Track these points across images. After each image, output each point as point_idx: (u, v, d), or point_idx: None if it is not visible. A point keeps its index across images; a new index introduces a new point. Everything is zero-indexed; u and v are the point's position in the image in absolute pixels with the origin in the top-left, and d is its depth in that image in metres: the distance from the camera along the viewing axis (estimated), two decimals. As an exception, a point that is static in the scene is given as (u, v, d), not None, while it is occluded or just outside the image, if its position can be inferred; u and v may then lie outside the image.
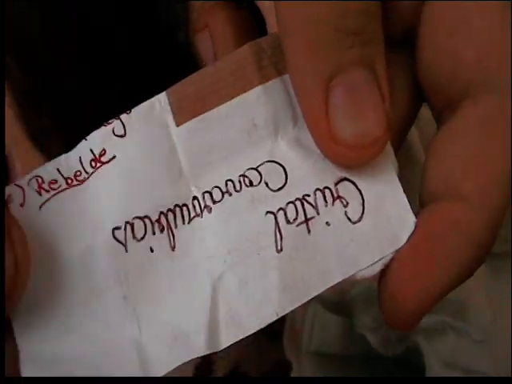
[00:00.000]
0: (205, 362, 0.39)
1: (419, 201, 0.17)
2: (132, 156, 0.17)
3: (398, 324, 0.16)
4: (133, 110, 0.17)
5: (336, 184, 0.16)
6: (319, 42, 0.15)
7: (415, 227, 0.16)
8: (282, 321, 0.35)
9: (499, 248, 0.38)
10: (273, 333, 0.39)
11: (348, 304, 0.32)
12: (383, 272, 0.16)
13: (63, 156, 0.17)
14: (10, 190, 0.17)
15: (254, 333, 0.15)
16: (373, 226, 0.16)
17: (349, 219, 0.16)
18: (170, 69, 0.23)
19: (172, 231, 0.16)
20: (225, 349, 0.15)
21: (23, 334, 0.16)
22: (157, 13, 0.22)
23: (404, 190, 0.16)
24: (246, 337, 0.15)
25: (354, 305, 0.32)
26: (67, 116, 0.23)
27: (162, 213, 0.17)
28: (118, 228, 0.16)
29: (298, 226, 0.16)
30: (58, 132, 0.23)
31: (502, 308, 0.37)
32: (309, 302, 0.34)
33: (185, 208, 0.17)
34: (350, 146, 0.15)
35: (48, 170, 0.17)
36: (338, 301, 0.33)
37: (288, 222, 0.16)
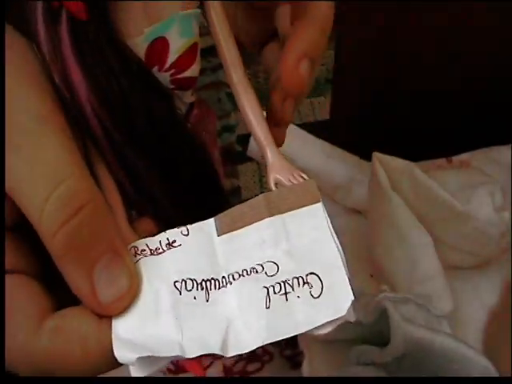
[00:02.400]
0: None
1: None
2: (191, 247, 0.26)
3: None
4: (194, 224, 0.27)
5: (307, 275, 0.24)
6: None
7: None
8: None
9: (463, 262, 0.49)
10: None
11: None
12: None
13: (151, 238, 0.27)
14: None
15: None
16: (326, 301, 0.24)
17: (312, 296, 0.24)
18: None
19: (208, 291, 0.26)
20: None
21: (117, 322, 0.25)
22: None
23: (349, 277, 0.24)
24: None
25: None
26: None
27: (203, 279, 0.25)
28: (177, 281, 0.25)
29: (280, 295, 0.24)
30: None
31: (464, 302, 0.48)
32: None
33: (217, 281, 0.26)
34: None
35: (141, 243, 0.27)
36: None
37: (275, 292, 0.24)
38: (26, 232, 0.25)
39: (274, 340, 0.24)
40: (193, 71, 0.28)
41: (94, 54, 0.24)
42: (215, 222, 0.27)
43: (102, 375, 0.25)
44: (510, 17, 0.57)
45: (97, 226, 0.24)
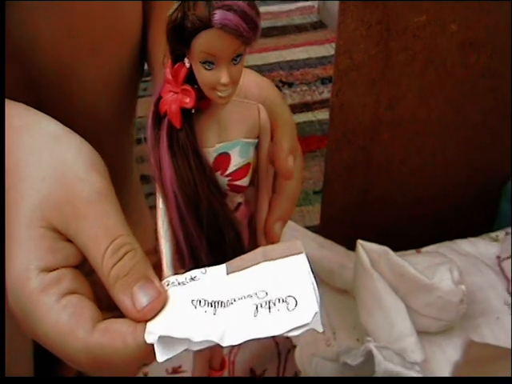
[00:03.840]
0: None
1: None
2: (207, 281, 0.34)
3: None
4: (211, 267, 0.35)
5: (286, 297, 0.31)
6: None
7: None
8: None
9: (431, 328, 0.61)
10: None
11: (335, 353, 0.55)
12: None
13: (180, 275, 0.35)
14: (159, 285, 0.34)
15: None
16: (297, 313, 0.31)
17: (288, 309, 0.31)
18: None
19: (216, 308, 0.32)
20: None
21: (149, 323, 0.32)
22: None
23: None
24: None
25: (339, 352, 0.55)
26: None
27: (213, 300, 0.32)
28: (193, 300, 0.33)
29: (265, 309, 0.31)
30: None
31: (432, 359, 0.59)
32: (312, 356, 0.57)
33: (223, 302, 0.32)
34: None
35: (173, 278, 0.35)
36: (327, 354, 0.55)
37: (261, 307, 0.31)
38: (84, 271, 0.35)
39: (259, 336, 0.31)
40: (243, 182, 0.37)
41: (181, 152, 0.35)
42: (226, 265, 0.35)
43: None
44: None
45: (134, 265, 0.34)
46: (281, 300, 0.32)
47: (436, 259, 0.63)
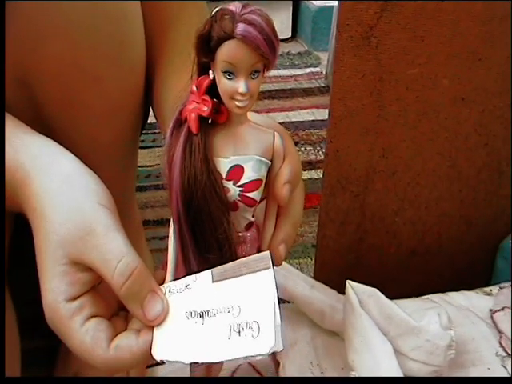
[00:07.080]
0: None
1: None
2: (196, 290, 0.40)
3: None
4: (200, 273, 0.40)
5: (253, 322, 0.36)
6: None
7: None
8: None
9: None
10: None
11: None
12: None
13: (178, 281, 0.41)
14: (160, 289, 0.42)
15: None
16: (259, 342, 0.35)
17: (252, 337, 0.36)
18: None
19: (203, 318, 0.38)
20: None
21: (155, 330, 0.40)
22: None
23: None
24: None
25: None
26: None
27: (201, 311, 0.39)
28: (186, 312, 0.40)
29: (236, 332, 0.36)
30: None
31: None
32: None
33: (208, 312, 0.38)
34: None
35: (172, 284, 0.41)
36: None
37: (234, 330, 0.37)
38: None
39: (230, 358, 0.37)
40: (254, 195, 0.41)
41: (192, 155, 0.38)
42: (211, 272, 0.40)
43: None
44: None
45: (141, 280, 0.40)
46: (248, 325, 0.36)
47: (425, 304, 0.63)
